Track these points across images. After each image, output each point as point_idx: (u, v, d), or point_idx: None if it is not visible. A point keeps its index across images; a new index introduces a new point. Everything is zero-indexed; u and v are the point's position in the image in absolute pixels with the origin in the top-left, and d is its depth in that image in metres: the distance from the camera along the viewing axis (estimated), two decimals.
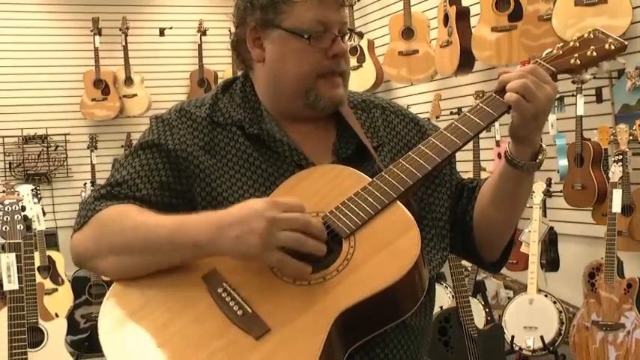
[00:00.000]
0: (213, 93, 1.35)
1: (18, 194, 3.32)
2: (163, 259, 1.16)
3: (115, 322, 1.13)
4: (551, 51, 1.28)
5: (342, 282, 1.09)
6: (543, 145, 1.25)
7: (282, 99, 1.30)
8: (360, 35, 1.37)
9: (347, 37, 1.30)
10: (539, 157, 1.25)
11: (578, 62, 1.25)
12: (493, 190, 1.30)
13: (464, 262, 3.33)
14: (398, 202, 1.16)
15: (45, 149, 5.78)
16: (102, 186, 1.30)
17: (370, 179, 1.19)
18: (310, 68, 1.26)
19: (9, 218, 2.92)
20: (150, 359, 1.08)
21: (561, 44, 1.29)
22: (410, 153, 1.21)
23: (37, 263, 4.10)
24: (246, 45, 1.30)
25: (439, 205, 1.33)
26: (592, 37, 1.28)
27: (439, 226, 1.32)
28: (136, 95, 5.87)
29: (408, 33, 4.75)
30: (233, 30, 1.34)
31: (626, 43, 1.28)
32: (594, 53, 1.26)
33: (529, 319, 3.68)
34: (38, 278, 3.73)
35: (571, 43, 1.28)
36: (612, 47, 1.26)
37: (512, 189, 1.28)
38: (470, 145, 4.10)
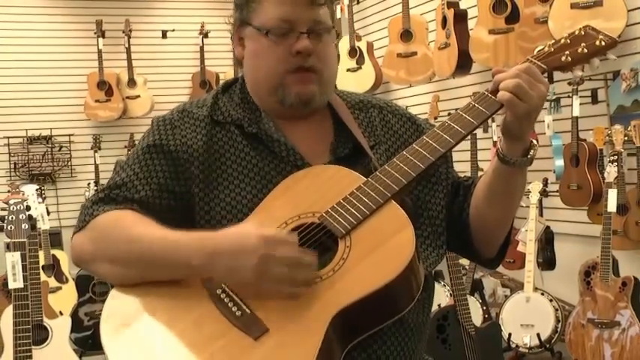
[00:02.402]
0: (214, 93, 1.36)
1: (23, 194, 3.33)
2: (157, 275, 1.17)
3: (117, 325, 1.13)
4: (543, 48, 1.28)
5: (339, 281, 1.10)
6: (534, 142, 1.26)
7: (260, 95, 1.32)
8: (337, 35, 1.37)
9: (332, 38, 1.30)
10: (531, 153, 1.25)
11: (570, 59, 1.26)
12: (487, 187, 1.31)
13: (462, 261, 3.33)
14: (393, 201, 1.17)
15: (49, 150, 5.79)
16: (102, 189, 1.31)
17: (365, 179, 1.20)
18: (276, 64, 1.26)
19: (14, 218, 2.93)
20: None
21: (552, 41, 1.29)
22: (404, 152, 1.22)
23: (42, 262, 4.06)
24: None
25: (435, 203, 1.34)
26: (583, 33, 1.28)
27: (435, 224, 1.32)
28: (138, 96, 5.87)
29: (406, 35, 4.74)
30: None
31: (617, 38, 1.28)
32: (585, 50, 1.26)
33: (526, 316, 3.69)
34: (43, 277, 3.68)
35: (562, 41, 1.28)
36: (603, 43, 1.26)
37: (505, 185, 1.28)
38: (467, 146, 4.13)
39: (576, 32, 1.28)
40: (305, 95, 1.28)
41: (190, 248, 1.13)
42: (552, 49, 1.27)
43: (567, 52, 1.26)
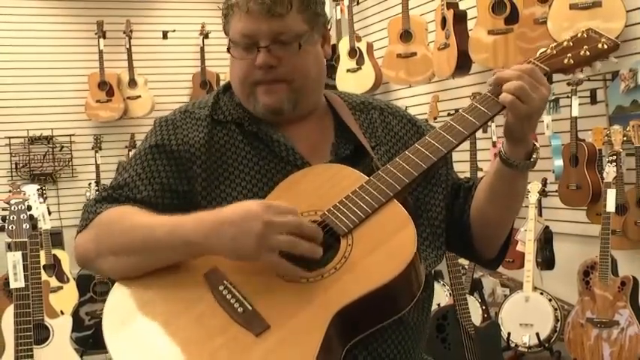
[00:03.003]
0: (215, 93, 1.37)
1: (24, 194, 3.31)
2: (161, 258, 1.17)
3: (119, 321, 1.14)
4: (545, 50, 1.28)
5: (340, 279, 1.10)
6: (537, 144, 1.26)
7: (243, 102, 1.34)
8: (299, 46, 1.34)
9: (306, 43, 1.27)
10: (534, 156, 1.25)
11: (572, 62, 1.26)
12: (489, 189, 1.31)
13: (461, 261, 3.33)
14: (395, 200, 1.17)
15: (50, 150, 5.82)
16: (104, 189, 1.32)
17: (368, 178, 1.20)
18: (243, 76, 1.29)
19: (15, 217, 2.92)
20: (153, 356, 1.09)
21: (555, 44, 1.29)
22: (406, 152, 1.22)
23: (43, 261, 4.01)
24: None
25: (435, 204, 1.34)
26: (585, 36, 1.28)
27: (434, 225, 1.33)
28: (139, 97, 5.90)
29: (406, 36, 4.75)
30: None
31: (619, 42, 1.28)
32: (587, 53, 1.26)
33: (525, 316, 3.70)
34: (44, 276, 3.65)
35: (564, 43, 1.28)
36: (605, 46, 1.26)
37: (507, 187, 1.29)
38: (467, 146, 4.13)
39: (578, 35, 1.28)
40: (271, 106, 1.28)
41: (193, 223, 1.14)
42: (554, 52, 1.27)
43: (569, 55, 1.26)
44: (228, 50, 1.30)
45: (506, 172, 1.26)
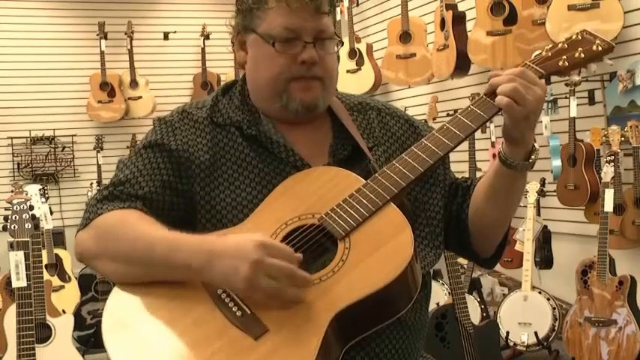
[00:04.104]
0: (214, 95, 1.37)
1: (26, 194, 3.34)
2: (158, 275, 1.17)
3: (118, 324, 1.14)
4: (540, 53, 1.29)
5: (338, 283, 1.10)
6: (536, 145, 1.26)
7: (262, 100, 1.33)
8: (341, 43, 1.37)
9: (335, 44, 1.31)
10: (533, 157, 1.25)
11: (567, 64, 1.26)
12: (487, 189, 1.31)
13: (460, 260, 3.34)
14: (392, 203, 1.17)
15: (52, 150, 5.83)
16: (105, 186, 1.32)
17: (365, 181, 1.20)
18: (279, 72, 1.28)
19: (17, 217, 2.92)
20: (151, 359, 1.09)
21: (550, 46, 1.29)
22: (403, 155, 1.22)
23: (45, 261, 4.07)
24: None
25: (433, 204, 1.35)
26: (580, 38, 1.28)
27: (432, 224, 1.34)
28: (140, 97, 5.90)
29: (405, 37, 4.76)
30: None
31: (614, 44, 1.28)
32: (582, 55, 1.26)
33: (523, 315, 3.71)
34: (46, 275, 3.64)
35: (559, 45, 1.28)
36: (600, 48, 1.26)
37: (506, 188, 1.29)
38: (466, 146, 4.15)
39: (573, 37, 1.28)
40: (309, 103, 1.29)
41: (190, 250, 1.14)
42: (550, 54, 1.28)
43: (565, 57, 1.26)
44: (259, 45, 1.28)
45: (506, 173, 1.27)
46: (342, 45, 1.40)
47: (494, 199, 1.31)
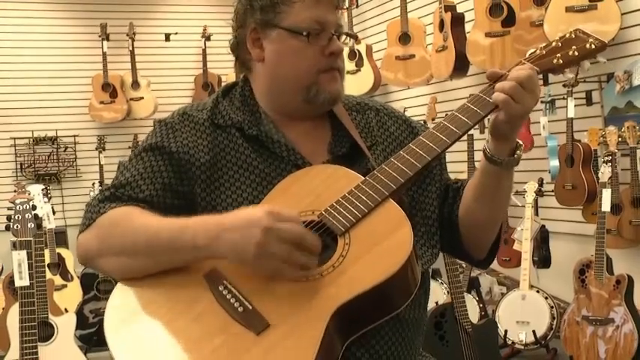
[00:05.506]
0: (214, 97, 1.37)
1: (29, 194, 3.37)
2: (164, 261, 1.17)
3: (120, 321, 1.14)
4: (535, 51, 1.29)
5: (339, 278, 1.11)
6: (520, 142, 1.27)
7: (282, 96, 1.32)
8: (355, 37, 1.41)
9: (342, 39, 1.33)
10: (517, 153, 1.26)
11: (561, 62, 1.27)
12: (475, 188, 1.32)
13: (459, 260, 3.41)
14: (391, 199, 1.18)
15: (55, 150, 5.84)
16: (106, 188, 1.32)
17: (364, 178, 1.21)
18: (310, 65, 1.28)
19: (20, 217, 2.94)
20: (154, 355, 1.10)
21: (544, 44, 1.30)
22: (401, 152, 1.23)
23: (47, 260, 4.07)
24: (246, 47, 1.33)
25: (429, 203, 1.36)
26: (573, 36, 1.29)
27: (429, 223, 1.34)
28: (142, 98, 5.91)
29: (405, 38, 4.78)
30: (233, 34, 1.37)
31: (606, 42, 1.30)
32: (576, 53, 1.27)
33: (522, 314, 3.72)
34: (48, 275, 3.65)
35: (553, 44, 1.29)
36: (593, 46, 1.27)
37: (493, 185, 1.30)
38: (464, 146, 4.16)
39: (567, 35, 1.30)
40: (335, 93, 1.31)
41: (196, 228, 1.14)
42: (544, 52, 1.29)
43: (558, 55, 1.27)
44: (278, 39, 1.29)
45: (492, 170, 1.28)
46: (357, 40, 1.42)
47: (482, 198, 1.32)
